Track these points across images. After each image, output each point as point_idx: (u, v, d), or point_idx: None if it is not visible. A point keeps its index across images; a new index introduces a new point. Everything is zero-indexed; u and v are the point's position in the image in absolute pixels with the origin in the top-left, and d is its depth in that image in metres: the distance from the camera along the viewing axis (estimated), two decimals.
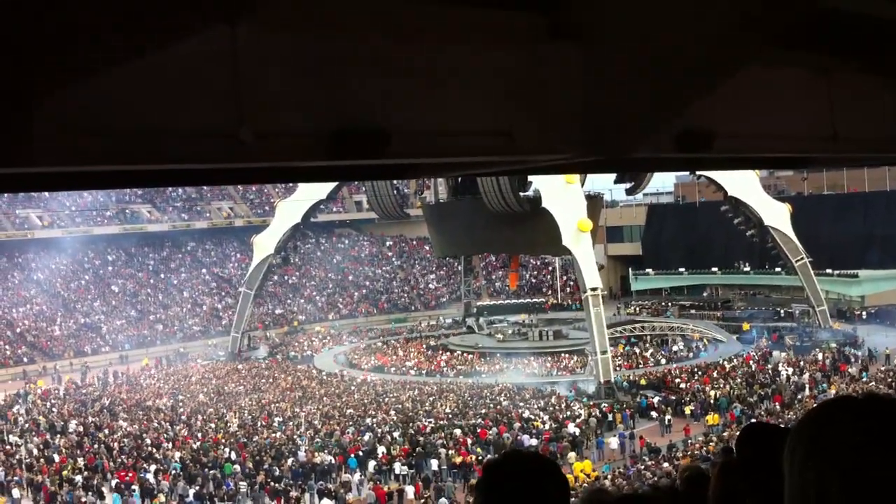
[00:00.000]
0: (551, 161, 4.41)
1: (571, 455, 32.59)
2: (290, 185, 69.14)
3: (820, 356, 46.81)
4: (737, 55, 3.79)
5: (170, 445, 36.39)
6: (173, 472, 32.59)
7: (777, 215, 55.28)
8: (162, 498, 30.57)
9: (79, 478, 32.23)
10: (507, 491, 2.30)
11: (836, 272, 61.67)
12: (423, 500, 29.16)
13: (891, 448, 1.29)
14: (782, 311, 60.57)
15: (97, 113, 3.09)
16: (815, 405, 1.51)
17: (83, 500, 30.47)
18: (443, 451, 33.42)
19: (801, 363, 45.61)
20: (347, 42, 3.59)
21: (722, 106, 4.39)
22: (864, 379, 40.56)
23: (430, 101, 3.73)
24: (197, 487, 30.85)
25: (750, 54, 3.95)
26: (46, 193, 69.11)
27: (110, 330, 67.76)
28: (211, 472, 32.67)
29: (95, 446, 36.86)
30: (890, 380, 35.73)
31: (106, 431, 39.45)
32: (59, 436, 39.20)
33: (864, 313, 59.70)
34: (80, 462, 34.34)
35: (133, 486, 31.21)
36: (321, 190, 59.58)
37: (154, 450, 35.78)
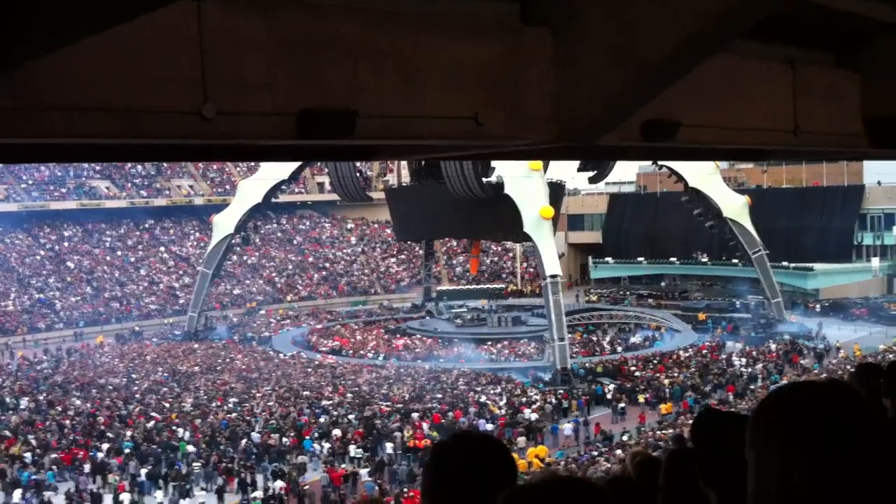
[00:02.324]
0: (518, 147, 4.42)
1: (521, 440, 32.80)
2: (252, 164, 68.65)
3: (773, 347, 47.51)
4: (703, 51, 3.82)
5: (123, 424, 36.07)
6: (126, 450, 32.31)
7: (736, 207, 55.89)
8: (112, 479, 30.28)
9: (29, 455, 31.86)
10: (455, 471, 2.30)
11: (792, 265, 62.60)
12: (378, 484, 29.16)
13: (851, 432, 1.31)
14: (738, 303, 61.32)
15: (60, 88, 3.05)
16: (774, 390, 1.52)
17: (33, 477, 30.12)
18: (398, 434, 33.48)
19: (755, 354, 46.23)
20: (318, 24, 3.56)
21: (687, 97, 4.42)
22: (816, 370, 41.18)
23: (400, 85, 3.72)
24: (150, 466, 30.63)
25: (715, 50, 3.98)
26: (1, 166, 67.93)
27: (65, 306, 66.92)
28: (163, 451, 32.43)
29: (47, 423, 36.44)
30: (841, 372, 36.28)
31: (59, 409, 39.01)
32: (10, 412, 38.68)
33: (818, 306, 60.61)
34: (32, 439, 33.93)
35: (85, 465, 30.98)
36: (283, 170, 59.11)
37: (106, 429, 35.44)
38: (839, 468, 1.29)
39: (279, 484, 28.66)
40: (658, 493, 3.94)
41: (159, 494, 29.16)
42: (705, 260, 68.41)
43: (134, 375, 47.50)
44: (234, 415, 37.15)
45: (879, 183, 67.15)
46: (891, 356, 35.95)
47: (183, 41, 3.22)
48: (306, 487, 28.74)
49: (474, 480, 2.25)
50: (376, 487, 28.46)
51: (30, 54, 2.63)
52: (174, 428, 35.13)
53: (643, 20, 3.73)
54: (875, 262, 64.47)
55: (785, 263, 61.83)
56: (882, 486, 1.29)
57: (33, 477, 30.03)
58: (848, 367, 36.35)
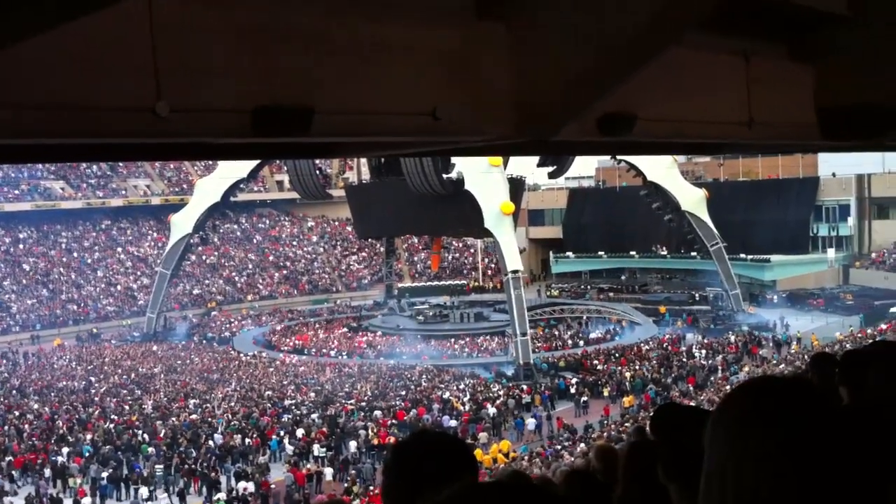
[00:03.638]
0: (476, 142, 4.41)
1: (483, 436, 32.86)
2: (210, 162, 68.03)
3: (733, 338, 48.00)
4: (660, 40, 3.83)
5: (82, 428, 35.60)
6: (86, 454, 31.91)
7: (694, 200, 56.39)
8: (72, 482, 29.88)
9: None
10: (415, 471, 2.28)
11: (750, 257, 63.34)
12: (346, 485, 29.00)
13: (819, 426, 1.33)
14: (697, 295, 61.90)
15: (7, 86, 2.98)
16: (736, 385, 1.53)
17: None
18: (362, 432, 33.37)
19: (714, 345, 46.69)
20: (273, 17, 3.52)
21: (644, 91, 4.44)
22: (775, 361, 41.64)
23: (357, 80, 3.69)
24: (110, 470, 30.24)
25: (672, 39, 4.00)
26: None
27: (21, 309, 65.94)
28: (124, 454, 32.05)
29: (5, 428, 35.90)
30: (798, 362, 36.76)
31: (16, 413, 38.44)
32: None
33: (775, 297, 61.34)
34: None
35: (45, 469, 30.56)
36: (241, 168, 58.71)
37: (66, 432, 34.99)
38: (804, 460, 1.30)
39: (242, 485, 28.41)
40: (617, 484, 3.96)
41: (144, 492, 28.71)
42: (664, 253, 69.00)
43: (93, 378, 46.91)
44: (195, 416, 36.82)
45: (834, 175, 68.10)
46: (847, 345, 36.51)
47: (133, 35, 3.16)
48: (272, 486, 28.53)
49: (434, 479, 2.23)
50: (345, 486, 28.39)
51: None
52: (134, 431, 34.74)
53: (600, 13, 3.73)
54: (831, 252, 65.41)
55: (742, 255, 62.60)
56: (835, 471, 1.30)
57: None
58: (805, 356, 36.82)
